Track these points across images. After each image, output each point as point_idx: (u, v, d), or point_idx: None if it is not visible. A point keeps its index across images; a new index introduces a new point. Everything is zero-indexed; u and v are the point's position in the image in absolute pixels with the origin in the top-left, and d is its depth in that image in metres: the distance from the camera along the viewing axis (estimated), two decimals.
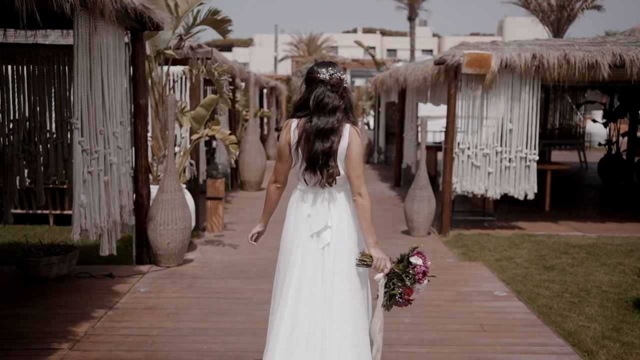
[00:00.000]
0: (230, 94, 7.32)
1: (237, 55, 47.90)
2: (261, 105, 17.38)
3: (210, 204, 7.71)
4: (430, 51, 49.03)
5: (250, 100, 11.79)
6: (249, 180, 11.29)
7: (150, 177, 6.68)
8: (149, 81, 6.47)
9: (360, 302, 2.87)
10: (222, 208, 7.77)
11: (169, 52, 6.46)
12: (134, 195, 5.56)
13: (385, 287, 2.85)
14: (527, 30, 33.17)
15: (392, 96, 13.25)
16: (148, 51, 6.35)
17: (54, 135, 5.80)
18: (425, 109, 11.77)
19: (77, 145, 4.37)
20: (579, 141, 15.11)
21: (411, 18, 30.93)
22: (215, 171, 12.40)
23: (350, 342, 2.78)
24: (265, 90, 18.61)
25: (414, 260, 2.85)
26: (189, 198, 6.62)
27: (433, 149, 12.26)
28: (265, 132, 18.01)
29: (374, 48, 35.91)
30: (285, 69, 37.91)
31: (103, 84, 4.71)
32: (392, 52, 54.13)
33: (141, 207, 5.58)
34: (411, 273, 2.82)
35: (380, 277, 2.82)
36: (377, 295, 2.85)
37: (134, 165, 5.53)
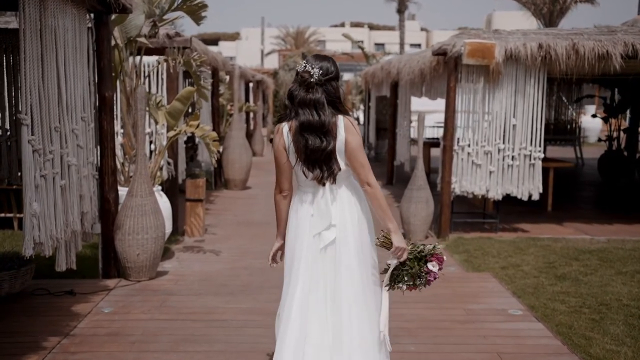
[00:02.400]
0: (210, 86, 6.69)
1: (223, 49, 47.03)
2: (247, 100, 16.71)
3: (189, 206, 7.09)
4: (419, 45, 48.48)
5: (234, 94, 11.15)
6: (234, 178, 10.66)
7: (122, 178, 6.04)
8: (120, 72, 5.82)
9: (371, 300, 2.83)
10: (203, 210, 7.15)
11: (142, 39, 5.81)
12: (100, 201, 4.92)
13: (393, 272, 2.84)
14: (516, 25, 32.66)
15: (383, 90, 12.66)
16: (117, 38, 5.70)
17: (8, 133, 5.14)
18: (418, 103, 11.21)
19: (26, 145, 3.71)
20: (574, 137, 14.65)
21: (400, 11, 30.39)
22: (198, 169, 11.76)
23: (360, 345, 2.76)
24: (251, 84, 17.94)
25: (431, 267, 2.81)
26: (164, 201, 5.99)
27: (427, 145, 11.68)
28: (252, 127, 17.35)
29: (362, 42, 35.29)
30: (273, 62, 37.20)
31: (59, 73, 4.07)
32: (380, 46, 53.52)
33: (108, 214, 4.94)
34: (424, 277, 2.81)
35: (395, 263, 2.81)
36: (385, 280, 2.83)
37: (99, 166, 4.89)
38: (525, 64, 6.97)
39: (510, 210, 8.52)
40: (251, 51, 46.65)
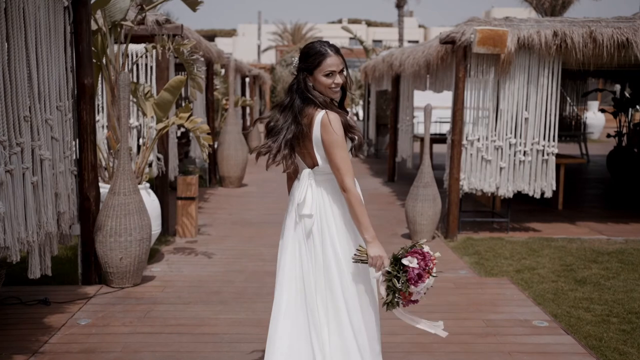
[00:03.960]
0: (203, 76, 6.24)
1: (220, 45, 46.26)
2: (243, 94, 16.25)
3: (181, 204, 6.64)
4: (417, 42, 48.03)
5: (230, 88, 10.68)
6: (229, 175, 10.20)
7: (107, 174, 5.59)
8: (104, 59, 5.36)
9: (355, 297, 2.64)
10: (196, 209, 6.70)
11: (127, 23, 5.35)
12: (79, 199, 4.47)
13: (387, 287, 2.59)
14: None
15: (384, 84, 12.22)
16: (100, 22, 5.25)
17: None
18: (419, 100, 10.75)
19: None
20: (579, 133, 14.23)
21: (399, 5, 29.92)
22: (192, 165, 11.29)
23: (338, 342, 2.62)
24: (247, 79, 17.47)
25: (407, 262, 2.52)
26: (153, 199, 5.54)
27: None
28: (248, 122, 16.88)
29: (360, 36, 34.81)
30: (270, 58, 36.71)
31: (29, 56, 3.62)
32: (378, 42, 53.13)
33: (88, 214, 4.48)
34: (403, 277, 2.53)
35: (378, 275, 2.57)
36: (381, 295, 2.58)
37: (78, 161, 4.44)
38: (539, 53, 6.54)
39: (519, 208, 8.09)
40: (248, 47, 46.13)
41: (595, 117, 20.73)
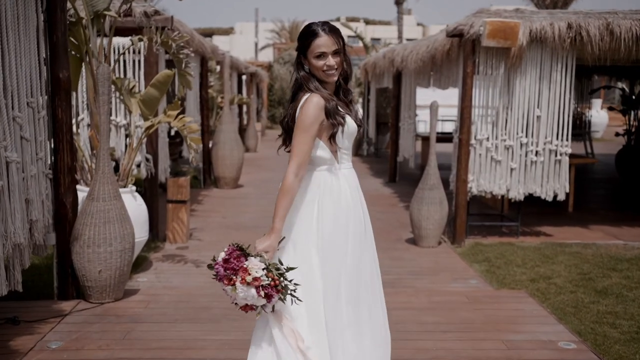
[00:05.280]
0: (194, 72, 5.82)
1: (217, 43, 45.86)
2: (240, 92, 15.83)
3: (171, 208, 6.24)
4: (412, 40, 47.58)
5: (225, 85, 10.26)
6: (224, 176, 9.79)
7: (89, 177, 5.18)
8: (85, 53, 4.95)
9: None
10: (187, 213, 6.30)
11: (110, 13, 4.94)
12: (55, 206, 4.06)
13: None
14: None
15: (384, 81, 11.82)
16: (81, 12, 4.84)
17: None
18: (421, 95, 10.33)
19: None
20: (584, 131, 13.85)
21: (399, 2, 29.45)
22: (187, 165, 10.88)
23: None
24: (244, 77, 17.06)
25: (220, 255, 2.28)
26: (139, 204, 5.12)
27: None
28: (245, 121, 16.46)
29: (361, 32, 34.40)
30: (267, 56, 36.25)
31: None
32: (376, 41, 52.77)
33: (65, 222, 4.07)
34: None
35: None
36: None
37: (52, 163, 4.03)
38: (552, 46, 6.15)
39: (528, 210, 7.70)
40: (245, 45, 45.68)
41: (598, 115, 20.37)
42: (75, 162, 5.11)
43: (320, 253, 2.40)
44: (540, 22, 6.09)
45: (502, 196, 6.55)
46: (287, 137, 2.51)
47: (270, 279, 2.20)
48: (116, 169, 5.34)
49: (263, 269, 2.21)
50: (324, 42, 2.37)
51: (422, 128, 12.99)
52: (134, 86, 5.24)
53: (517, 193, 6.38)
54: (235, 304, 2.28)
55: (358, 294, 2.43)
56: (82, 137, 6.14)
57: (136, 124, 6.10)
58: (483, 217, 7.33)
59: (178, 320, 3.84)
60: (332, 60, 2.38)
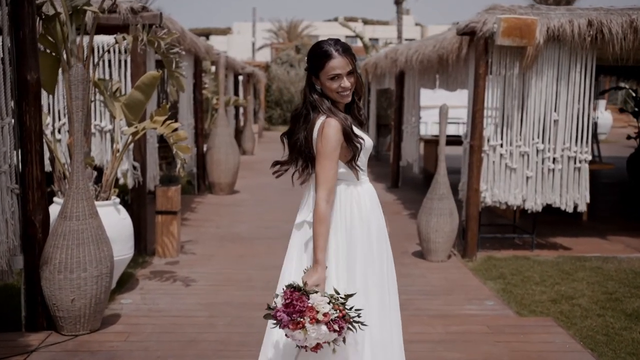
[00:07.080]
0: (185, 73, 5.36)
1: (214, 43, 45.32)
2: (236, 93, 15.36)
3: (161, 220, 5.78)
4: (413, 40, 47.27)
5: (220, 86, 9.81)
6: (219, 182, 9.34)
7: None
8: (63, 52, 4.49)
9: None
10: (178, 225, 5.84)
11: (92, 8, 4.48)
12: (23, 225, 3.59)
13: None
14: None
15: (385, 82, 11.38)
16: (58, 7, 4.38)
17: None
18: (423, 96, 9.88)
19: None
20: (592, 133, 13.40)
21: (398, 2, 29.04)
22: (181, 169, 10.39)
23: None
24: (241, 77, 16.60)
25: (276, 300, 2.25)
26: (123, 217, 4.66)
27: (433, 142, 10.40)
28: (242, 123, 16.00)
29: (356, 37, 34.03)
30: (265, 56, 35.82)
31: None
32: (374, 41, 52.45)
33: (34, 243, 3.60)
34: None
35: None
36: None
37: (19, 177, 3.56)
38: (571, 45, 5.71)
39: (541, 220, 7.20)
40: (243, 45, 45.28)
41: (602, 117, 19.97)
42: (53, 172, 4.66)
43: (363, 269, 2.40)
44: (558, 19, 5.65)
45: (518, 207, 6.10)
46: (300, 158, 2.49)
47: (337, 311, 2.16)
48: (100, 178, 4.88)
49: (328, 303, 2.16)
50: (338, 63, 2.33)
51: (424, 130, 12.56)
52: (117, 89, 4.78)
53: (534, 203, 5.94)
54: (305, 347, 2.19)
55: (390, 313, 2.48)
56: (63, 143, 5.68)
57: (121, 129, 5.64)
58: (494, 228, 6.88)
59: (160, 357, 3.37)
60: (346, 82, 2.36)
